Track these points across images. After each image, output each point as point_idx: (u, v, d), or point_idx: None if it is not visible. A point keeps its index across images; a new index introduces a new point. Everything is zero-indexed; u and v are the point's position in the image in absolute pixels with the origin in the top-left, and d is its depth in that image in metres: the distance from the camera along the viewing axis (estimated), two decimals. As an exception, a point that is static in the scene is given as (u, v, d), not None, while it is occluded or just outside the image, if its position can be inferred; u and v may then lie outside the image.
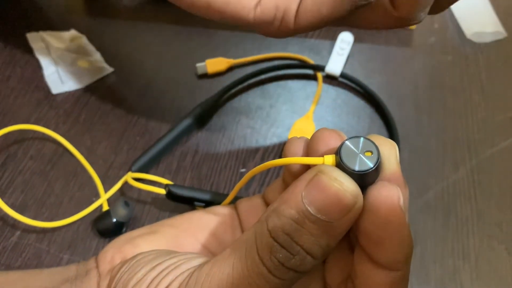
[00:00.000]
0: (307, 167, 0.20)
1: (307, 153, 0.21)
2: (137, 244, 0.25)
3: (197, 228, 0.25)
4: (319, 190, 0.17)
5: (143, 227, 0.26)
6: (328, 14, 0.23)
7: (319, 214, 0.17)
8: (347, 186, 0.17)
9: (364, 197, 0.18)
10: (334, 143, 0.19)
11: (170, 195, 0.32)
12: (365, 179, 0.18)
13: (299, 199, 0.18)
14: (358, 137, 0.18)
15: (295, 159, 0.20)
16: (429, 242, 0.34)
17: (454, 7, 0.46)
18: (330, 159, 0.18)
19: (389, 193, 0.18)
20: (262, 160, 0.37)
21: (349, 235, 0.21)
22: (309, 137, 0.38)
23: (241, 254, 0.19)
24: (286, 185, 0.23)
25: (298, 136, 0.22)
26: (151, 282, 0.21)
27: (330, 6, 0.23)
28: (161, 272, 0.21)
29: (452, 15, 0.46)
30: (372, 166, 0.17)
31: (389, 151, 0.19)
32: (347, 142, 0.18)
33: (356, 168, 0.17)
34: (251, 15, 0.24)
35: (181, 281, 0.20)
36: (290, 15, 0.23)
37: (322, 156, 0.19)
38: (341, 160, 0.18)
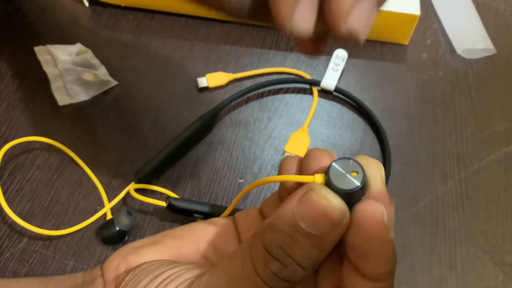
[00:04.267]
0: (300, 184, 0.22)
1: (300, 171, 0.22)
2: (141, 254, 0.26)
3: (197, 239, 0.27)
4: (309, 206, 0.19)
5: (146, 237, 0.28)
6: None
7: (309, 229, 0.19)
8: (335, 203, 0.19)
9: (351, 213, 0.19)
10: (325, 162, 0.21)
11: (171, 207, 0.34)
12: (351, 197, 0.19)
13: (291, 214, 0.19)
14: (346, 158, 0.20)
15: (288, 177, 0.22)
16: (418, 251, 0.35)
17: (446, 24, 0.48)
18: (319, 178, 0.20)
19: (374, 210, 0.19)
20: (260, 171, 0.39)
21: (339, 249, 0.23)
22: (303, 149, 0.39)
23: (237, 264, 0.20)
24: (281, 199, 0.24)
25: (297, 153, 0.24)
26: (154, 289, 0.22)
27: None
28: (163, 280, 0.22)
29: (444, 32, 0.47)
30: (357, 185, 0.19)
31: (375, 171, 0.21)
32: (335, 163, 0.20)
33: (343, 187, 0.19)
34: None
35: (182, 289, 0.22)
36: None
37: (313, 174, 0.20)
38: (329, 179, 0.19)
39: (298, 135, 0.40)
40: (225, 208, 0.30)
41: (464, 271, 0.35)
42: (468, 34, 0.47)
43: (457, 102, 0.43)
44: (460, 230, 0.36)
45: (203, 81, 0.42)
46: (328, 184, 0.19)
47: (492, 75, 0.45)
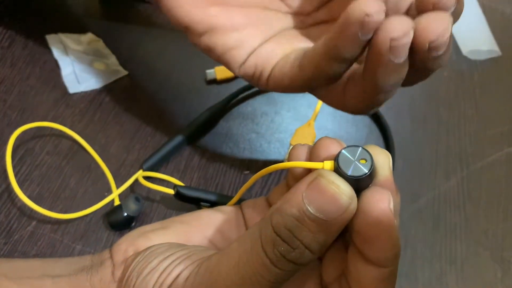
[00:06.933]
0: (308, 171, 0.22)
1: (310, 158, 0.23)
2: (149, 238, 0.27)
3: (205, 225, 0.27)
4: (318, 191, 0.20)
5: (154, 223, 0.29)
6: (288, 86, 0.27)
7: (317, 213, 0.20)
8: (343, 189, 0.19)
9: (358, 199, 0.20)
10: (334, 150, 0.22)
11: (178, 195, 0.34)
12: (359, 184, 0.20)
13: (300, 199, 0.20)
14: (355, 146, 0.20)
15: (298, 163, 0.22)
16: (419, 246, 0.36)
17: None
18: (329, 164, 0.20)
19: (381, 197, 0.20)
20: (265, 163, 0.39)
21: (344, 236, 0.23)
22: (309, 143, 0.40)
23: (246, 246, 0.21)
24: (289, 187, 0.25)
25: (302, 143, 0.24)
26: (164, 270, 0.23)
27: (289, 80, 0.26)
28: (173, 261, 0.23)
29: (450, 33, 0.48)
30: (365, 172, 0.20)
31: (383, 160, 0.21)
32: (345, 150, 0.20)
33: (351, 173, 0.20)
34: (237, 70, 0.29)
35: (191, 270, 0.22)
36: (264, 76, 0.28)
37: (323, 161, 0.21)
38: (338, 165, 0.20)
39: (304, 129, 0.41)
40: (232, 198, 0.31)
41: (463, 266, 0.35)
42: (473, 35, 0.47)
43: (461, 102, 0.44)
44: (460, 226, 0.37)
45: (211, 74, 0.43)
46: (337, 170, 0.20)
47: (496, 76, 0.45)
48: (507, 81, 0.45)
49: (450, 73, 0.45)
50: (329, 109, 0.42)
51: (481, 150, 0.41)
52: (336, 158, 0.20)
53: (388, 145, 0.40)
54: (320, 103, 0.42)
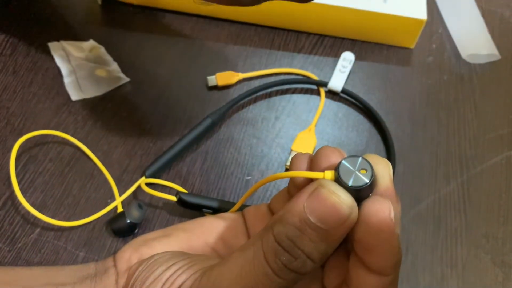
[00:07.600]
0: (310, 180, 0.23)
1: (311, 168, 0.23)
2: (152, 246, 0.27)
3: (207, 232, 0.28)
4: (319, 201, 0.20)
5: (157, 230, 0.29)
6: None
7: (318, 223, 0.20)
8: (344, 199, 0.20)
9: (359, 209, 0.20)
10: (335, 159, 0.22)
11: (181, 202, 0.35)
12: (360, 194, 0.20)
13: (301, 209, 0.20)
14: (356, 156, 0.21)
15: (299, 173, 0.23)
16: (420, 250, 0.36)
17: (451, 29, 0.48)
18: (329, 174, 0.21)
19: (381, 206, 0.20)
20: (267, 168, 0.40)
21: (346, 244, 0.23)
22: (310, 148, 0.40)
23: (248, 256, 0.21)
24: (290, 195, 0.25)
25: (303, 152, 0.25)
26: (167, 280, 0.23)
27: None
28: (176, 271, 0.23)
29: (449, 37, 0.48)
30: (366, 182, 0.20)
31: (384, 169, 0.22)
32: (345, 160, 0.20)
33: (352, 183, 0.20)
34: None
35: (194, 279, 0.22)
36: None
37: (323, 171, 0.21)
38: (339, 176, 0.20)
39: (305, 134, 0.41)
40: (234, 204, 0.31)
41: (464, 270, 0.35)
42: (473, 39, 0.48)
43: (461, 105, 0.44)
44: (461, 230, 0.37)
45: (212, 80, 0.43)
46: (338, 180, 0.20)
47: (496, 80, 0.46)
48: (507, 85, 0.45)
49: (450, 77, 0.46)
50: (330, 115, 0.43)
51: (481, 154, 0.41)
52: (336, 168, 0.20)
53: (389, 150, 0.40)
54: (320, 108, 0.42)
